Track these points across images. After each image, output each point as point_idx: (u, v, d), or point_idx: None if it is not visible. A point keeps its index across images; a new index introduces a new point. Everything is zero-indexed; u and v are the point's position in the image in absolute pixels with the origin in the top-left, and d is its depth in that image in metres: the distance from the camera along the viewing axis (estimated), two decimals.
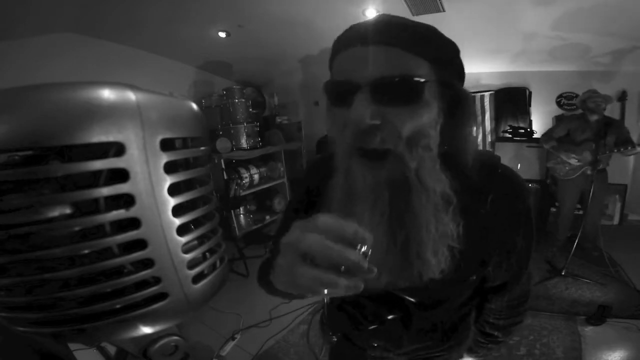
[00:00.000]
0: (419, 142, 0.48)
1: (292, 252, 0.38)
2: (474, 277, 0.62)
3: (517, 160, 3.83)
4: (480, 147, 4.43)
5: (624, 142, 2.73)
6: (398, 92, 0.45)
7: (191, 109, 0.49)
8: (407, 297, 0.65)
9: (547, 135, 3.09)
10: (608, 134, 2.70)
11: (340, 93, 0.49)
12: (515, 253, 0.63)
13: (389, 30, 0.46)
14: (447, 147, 0.52)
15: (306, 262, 0.37)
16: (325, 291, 0.36)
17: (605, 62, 3.67)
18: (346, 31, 0.50)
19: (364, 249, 0.36)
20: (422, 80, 0.46)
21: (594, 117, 2.83)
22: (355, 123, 0.45)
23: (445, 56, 0.51)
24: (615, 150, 2.72)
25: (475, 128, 0.68)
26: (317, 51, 3.94)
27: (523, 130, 4.06)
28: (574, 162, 2.89)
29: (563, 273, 2.72)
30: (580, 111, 2.98)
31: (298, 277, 0.37)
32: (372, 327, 0.69)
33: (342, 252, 0.35)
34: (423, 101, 0.47)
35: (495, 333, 0.77)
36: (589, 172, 2.85)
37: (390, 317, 0.67)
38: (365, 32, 0.47)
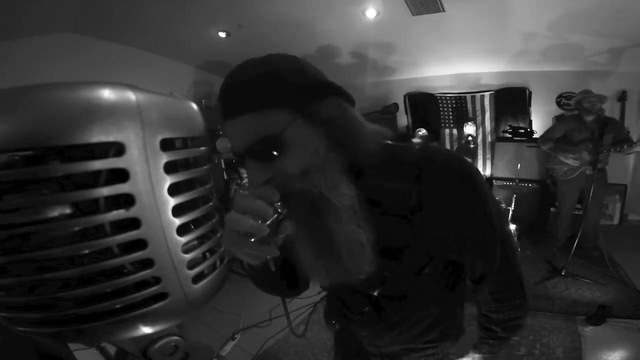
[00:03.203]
0: (311, 170, 0.52)
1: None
2: (427, 270, 0.63)
3: (517, 160, 3.83)
4: (480, 148, 4.44)
5: (622, 140, 2.74)
6: (266, 151, 0.50)
7: (191, 109, 0.49)
8: (368, 292, 0.68)
9: (544, 136, 3.09)
10: (605, 133, 2.70)
11: (238, 158, 0.55)
12: (471, 242, 0.62)
13: (233, 99, 0.50)
14: (346, 156, 0.55)
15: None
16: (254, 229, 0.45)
17: (603, 62, 3.68)
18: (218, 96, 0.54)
19: (280, 210, 0.48)
20: (277, 133, 0.49)
21: (589, 117, 2.82)
22: (256, 182, 0.52)
23: (291, 88, 0.50)
24: (613, 150, 2.72)
25: (363, 128, 0.59)
26: (315, 51, 3.94)
27: (523, 130, 4.06)
28: (571, 162, 2.89)
29: (563, 273, 2.72)
30: (577, 112, 2.99)
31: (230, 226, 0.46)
32: (356, 317, 0.73)
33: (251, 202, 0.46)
34: (292, 143, 0.50)
35: (493, 327, 0.76)
36: (588, 172, 2.86)
37: (365, 309, 0.71)
38: (222, 104, 0.52)
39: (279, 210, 0.48)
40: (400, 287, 0.67)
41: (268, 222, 0.46)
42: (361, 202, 0.55)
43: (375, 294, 0.68)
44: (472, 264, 0.66)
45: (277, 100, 0.49)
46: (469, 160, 0.66)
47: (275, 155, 0.50)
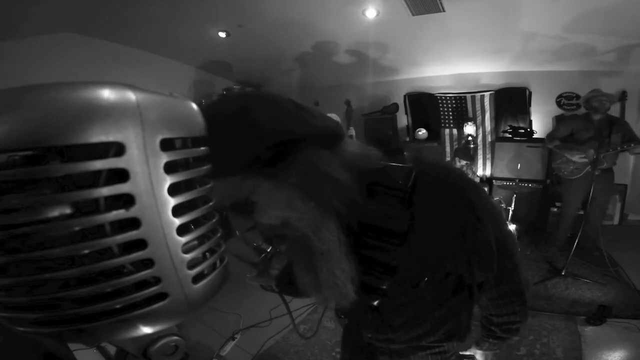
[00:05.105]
0: (290, 220, 0.53)
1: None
2: (424, 283, 0.64)
3: (517, 160, 3.83)
4: (480, 148, 4.44)
5: (630, 139, 2.74)
6: (241, 210, 0.52)
7: (191, 109, 0.49)
8: (368, 302, 0.69)
9: (551, 135, 3.10)
10: (613, 133, 2.71)
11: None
12: (466, 257, 0.62)
13: None
14: (327, 201, 0.54)
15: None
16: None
17: (604, 62, 3.67)
18: None
19: (268, 249, 0.56)
20: (244, 198, 0.50)
21: (597, 116, 2.83)
22: (241, 230, 0.56)
23: (253, 157, 0.48)
24: (620, 148, 2.73)
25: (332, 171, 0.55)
26: (315, 51, 3.93)
27: (523, 130, 4.06)
28: (577, 159, 2.89)
29: (563, 273, 2.72)
30: (584, 111, 2.99)
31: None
32: (361, 320, 0.75)
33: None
34: (262, 203, 0.52)
35: (493, 328, 0.78)
36: (596, 172, 2.85)
37: (368, 315, 0.73)
38: None
39: (267, 250, 0.54)
40: (398, 298, 0.68)
41: (257, 262, 0.53)
42: (348, 244, 0.57)
43: (375, 304, 0.69)
44: (469, 275, 0.66)
45: (232, 170, 0.48)
46: (465, 168, 0.66)
47: (250, 211, 0.52)
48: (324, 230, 0.54)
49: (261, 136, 0.47)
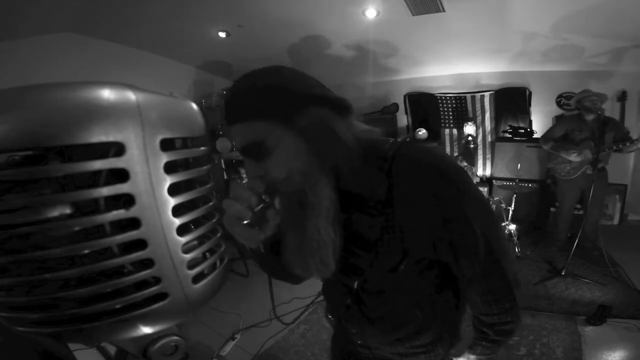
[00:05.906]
0: (294, 173, 0.59)
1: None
2: (403, 267, 0.64)
3: (517, 160, 3.83)
4: (480, 148, 4.45)
5: (623, 139, 2.75)
6: (254, 153, 0.59)
7: (191, 109, 0.49)
8: (348, 283, 0.72)
9: (545, 136, 3.10)
10: (606, 132, 2.71)
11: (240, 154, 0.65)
12: (447, 240, 0.61)
13: (227, 110, 0.60)
14: (327, 160, 0.60)
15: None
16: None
17: (603, 62, 3.68)
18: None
19: (267, 200, 0.56)
20: (260, 141, 0.57)
21: (590, 116, 2.83)
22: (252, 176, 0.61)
23: (268, 103, 0.57)
24: (615, 148, 2.74)
25: (341, 136, 0.62)
26: (314, 51, 3.94)
27: (523, 130, 4.06)
28: (574, 157, 2.89)
29: (563, 273, 2.72)
30: (576, 111, 3.00)
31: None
32: (342, 310, 0.76)
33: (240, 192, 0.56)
34: (273, 148, 0.58)
35: (485, 329, 0.74)
36: (589, 171, 2.86)
37: (348, 301, 0.74)
38: (224, 113, 0.62)
39: (266, 199, 0.56)
40: (377, 283, 0.69)
41: (255, 209, 0.54)
42: (337, 206, 0.61)
43: (355, 286, 0.71)
44: (455, 264, 0.65)
45: (256, 114, 0.57)
46: (453, 158, 0.66)
47: (262, 156, 0.58)
48: (319, 187, 0.60)
49: (289, 94, 0.57)
